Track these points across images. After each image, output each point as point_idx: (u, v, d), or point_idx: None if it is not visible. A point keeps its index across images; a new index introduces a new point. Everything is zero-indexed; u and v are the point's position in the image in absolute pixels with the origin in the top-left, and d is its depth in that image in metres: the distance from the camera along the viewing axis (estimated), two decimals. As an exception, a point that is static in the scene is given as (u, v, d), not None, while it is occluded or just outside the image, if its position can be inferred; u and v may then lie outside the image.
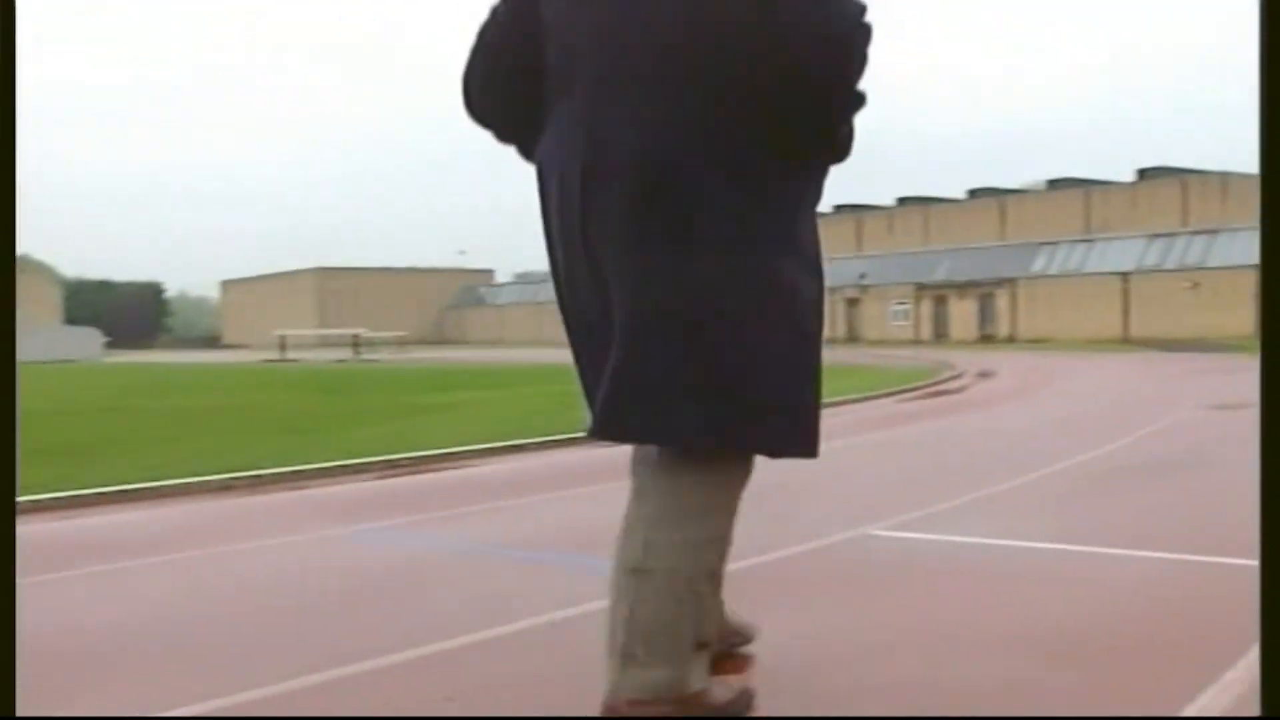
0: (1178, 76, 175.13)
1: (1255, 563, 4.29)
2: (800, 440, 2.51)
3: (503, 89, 2.68)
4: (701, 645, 2.52)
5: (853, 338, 61.35)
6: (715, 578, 2.58)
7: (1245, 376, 19.80)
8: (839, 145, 2.52)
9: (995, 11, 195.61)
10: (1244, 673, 2.94)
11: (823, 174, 2.60)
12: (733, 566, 3.34)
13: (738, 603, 2.89)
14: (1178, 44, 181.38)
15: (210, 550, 5.12)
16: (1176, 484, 6.69)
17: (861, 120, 2.55)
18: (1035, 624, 3.52)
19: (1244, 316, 48.24)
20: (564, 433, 9.96)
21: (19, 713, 2.20)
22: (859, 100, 2.46)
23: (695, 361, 2.40)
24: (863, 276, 61.65)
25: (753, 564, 4.17)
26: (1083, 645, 3.27)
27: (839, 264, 65.53)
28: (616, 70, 2.45)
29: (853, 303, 63.00)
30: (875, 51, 2.44)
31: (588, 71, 2.48)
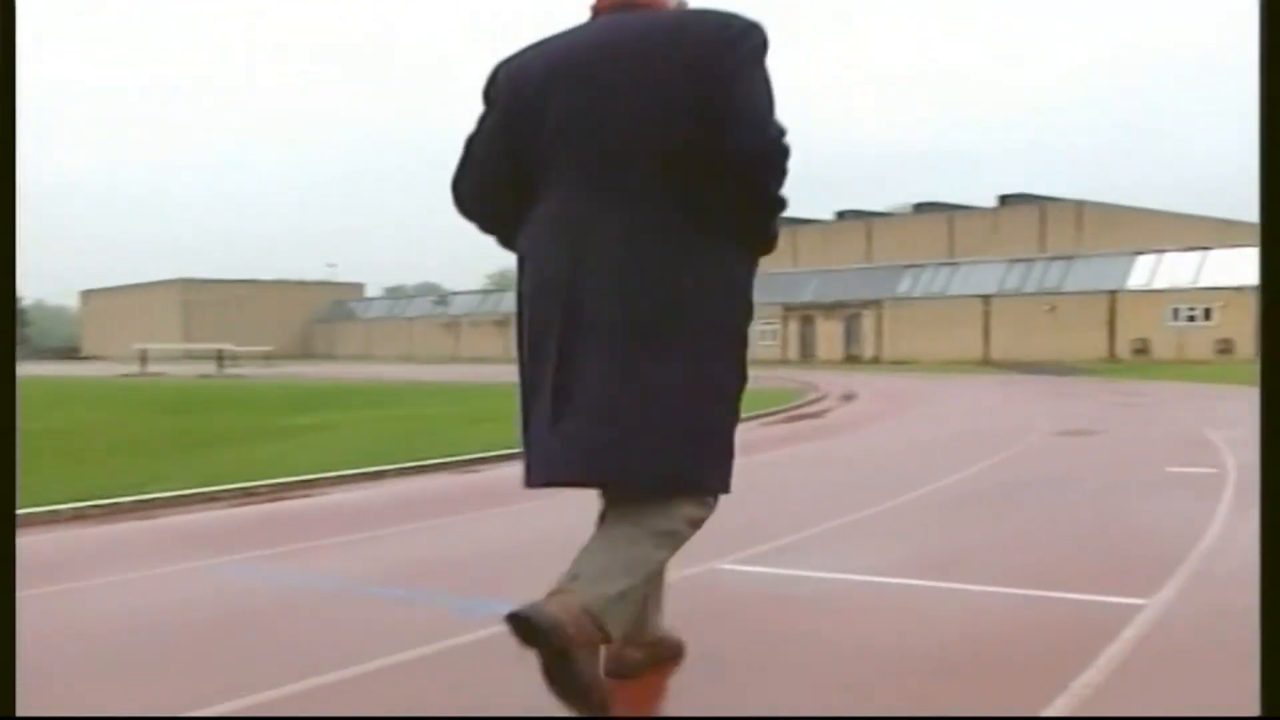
0: (1035, 106, 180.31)
1: (1083, 596, 4.48)
2: None
3: (489, 192, 3.19)
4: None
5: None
6: (632, 598, 2.90)
7: (1096, 400, 20.47)
8: (768, 238, 3.12)
9: (862, 36, 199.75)
10: (1060, 710, 3.09)
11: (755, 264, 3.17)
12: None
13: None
14: (1037, 76, 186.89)
15: (60, 587, 5.04)
16: (1019, 515, 6.91)
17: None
18: (854, 658, 3.65)
19: (1097, 340, 49.81)
20: (429, 458, 9.97)
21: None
22: (781, 204, 3.03)
23: (688, 418, 2.95)
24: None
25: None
26: (896, 681, 3.40)
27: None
28: (591, 164, 2.98)
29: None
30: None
31: (566, 167, 3.01)
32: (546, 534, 6.19)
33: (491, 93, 3.15)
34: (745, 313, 3.10)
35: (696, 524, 3.08)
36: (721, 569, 5.08)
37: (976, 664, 3.64)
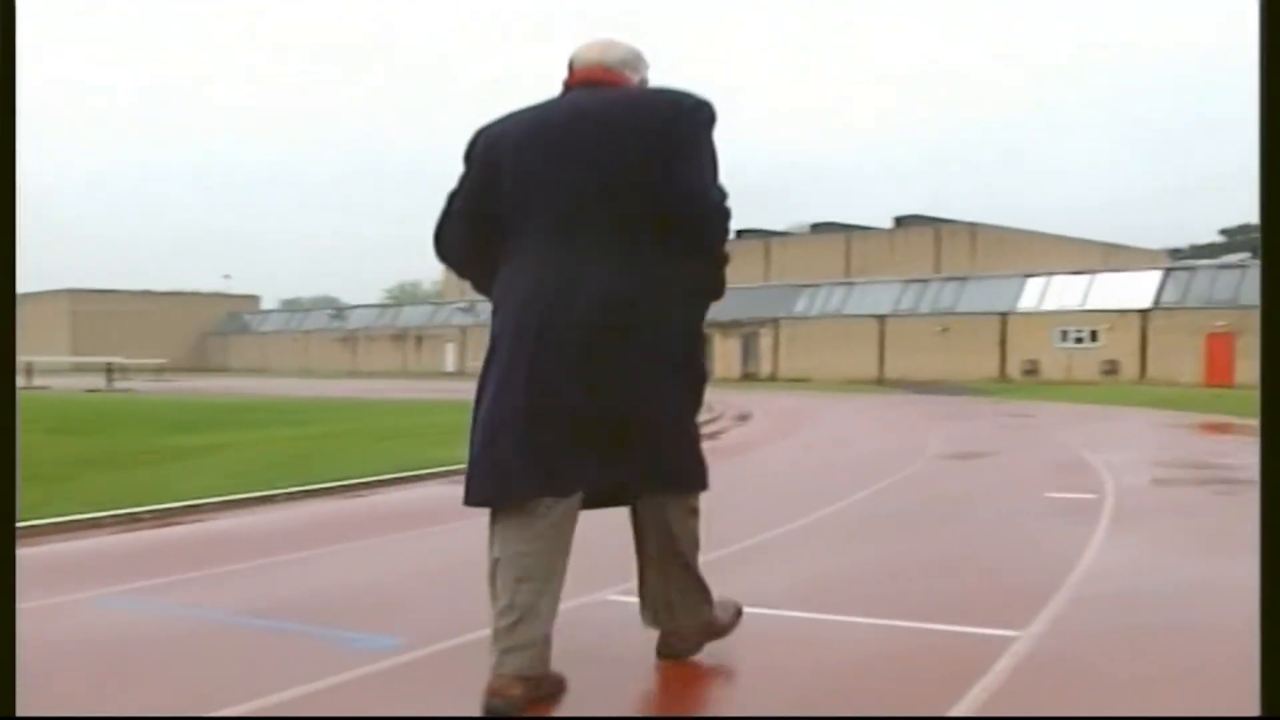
0: (934, 127, 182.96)
1: (959, 628, 4.58)
2: None
3: (468, 243, 3.69)
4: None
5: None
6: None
7: (986, 421, 20.86)
8: (715, 286, 3.66)
9: (757, 53, 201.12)
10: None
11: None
12: (467, 638, 3.41)
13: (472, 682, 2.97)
14: (935, 96, 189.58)
15: (-69, 619, 4.93)
16: (901, 544, 7.04)
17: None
18: (729, 692, 3.74)
19: (989, 360, 50.73)
20: (321, 481, 9.88)
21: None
22: (723, 259, 3.61)
23: (677, 429, 3.63)
24: (631, 313, 62.33)
25: (488, 633, 4.25)
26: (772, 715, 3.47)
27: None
28: (567, 212, 3.47)
29: (621, 339, 63.81)
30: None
31: (543, 215, 3.49)
32: (437, 563, 6.20)
33: (472, 154, 3.64)
34: (703, 344, 3.75)
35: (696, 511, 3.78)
36: (609, 600, 5.12)
37: (848, 698, 3.72)
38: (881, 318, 54.75)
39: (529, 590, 3.38)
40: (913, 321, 53.91)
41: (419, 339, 75.13)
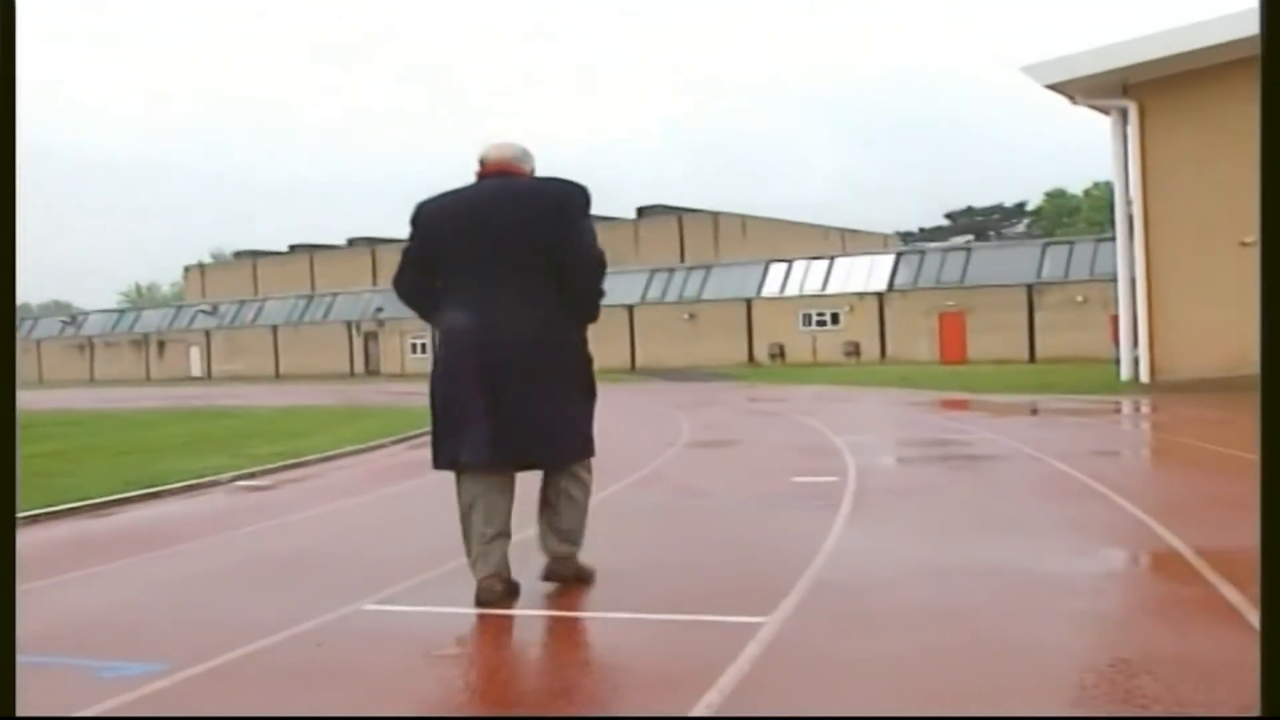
0: (666, 119, 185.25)
1: (707, 618, 4.75)
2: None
3: (419, 288, 5.27)
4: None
5: (372, 371, 61.19)
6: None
7: (735, 407, 21.34)
8: (594, 316, 5.25)
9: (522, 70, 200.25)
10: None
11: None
12: (231, 656, 3.43)
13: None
14: (670, 90, 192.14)
15: None
16: (647, 538, 7.18)
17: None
18: (478, 695, 3.83)
19: (737, 344, 51.98)
20: (60, 502, 9.48)
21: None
22: (602, 295, 5.24)
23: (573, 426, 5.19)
24: (379, 310, 61.56)
25: (247, 652, 4.23)
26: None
27: (355, 298, 65.07)
28: (490, 267, 4.97)
29: (371, 336, 62.88)
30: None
31: (472, 269, 5.00)
32: (189, 583, 6.02)
33: (417, 222, 5.14)
34: (589, 357, 5.26)
35: (591, 471, 5.37)
36: (365, 609, 5.13)
37: (601, 693, 3.87)
38: (630, 307, 55.39)
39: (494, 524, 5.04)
40: (661, 310, 54.77)
41: (161, 344, 72.43)
